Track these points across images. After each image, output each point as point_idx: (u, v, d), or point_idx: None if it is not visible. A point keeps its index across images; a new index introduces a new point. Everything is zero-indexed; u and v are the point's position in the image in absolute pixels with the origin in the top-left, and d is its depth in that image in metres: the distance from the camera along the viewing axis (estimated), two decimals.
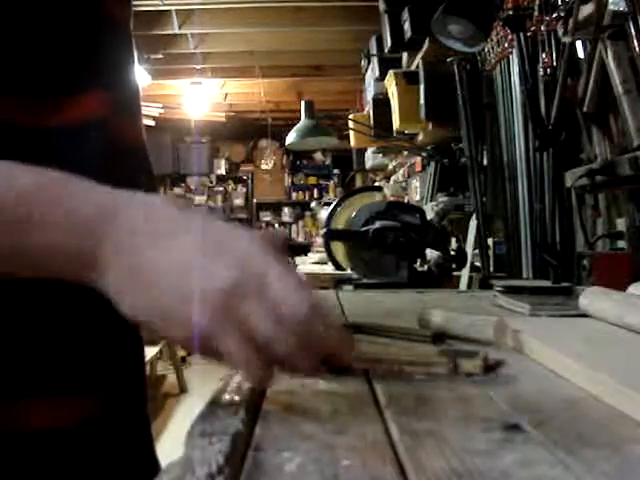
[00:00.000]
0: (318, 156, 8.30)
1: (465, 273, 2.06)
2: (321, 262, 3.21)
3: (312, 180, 8.31)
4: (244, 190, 8.29)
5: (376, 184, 5.05)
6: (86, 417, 0.50)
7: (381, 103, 3.34)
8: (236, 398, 0.45)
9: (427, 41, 2.64)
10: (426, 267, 1.72)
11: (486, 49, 2.27)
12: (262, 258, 0.39)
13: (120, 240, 0.39)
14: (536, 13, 1.74)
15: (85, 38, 0.51)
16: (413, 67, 2.98)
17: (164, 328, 0.39)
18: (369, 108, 3.67)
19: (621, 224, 1.48)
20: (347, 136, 4.18)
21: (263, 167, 8.21)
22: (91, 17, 0.52)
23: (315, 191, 8.21)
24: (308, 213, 7.91)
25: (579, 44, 1.59)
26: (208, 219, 0.41)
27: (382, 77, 3.30)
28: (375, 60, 3.59)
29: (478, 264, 2.08)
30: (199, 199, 8.04)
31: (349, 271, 1.86)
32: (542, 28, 1.71)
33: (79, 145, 0.50)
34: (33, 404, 0.47)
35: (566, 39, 1.55)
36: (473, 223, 2.18)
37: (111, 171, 0.53)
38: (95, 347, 0.51)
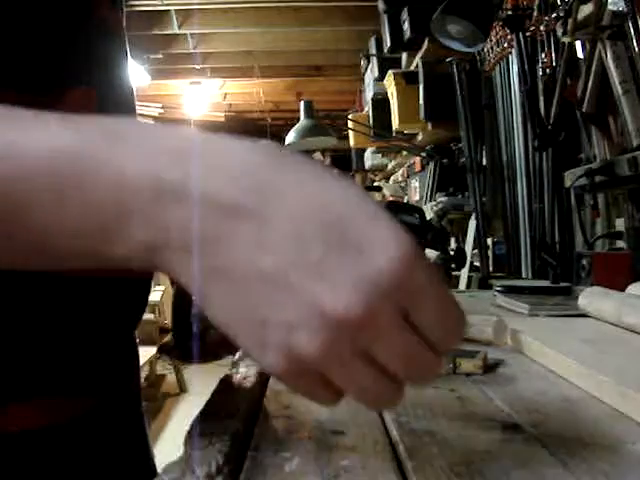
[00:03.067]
0: (317, 156, 8.29)
1: (464, 273, 2.06)
2: None
3: None
4: None
5: (375, 184, 5.05)
6: (74, 418, 0.50)
7: (380, 103, 3.34)
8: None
9: (426, 41, 2.63)
10: None
11: (485, 49, 2.26)
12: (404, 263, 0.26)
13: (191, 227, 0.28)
14: (535, 13, 1.74)
15: (69, 35, 0.50)
16: (412, 67, 2.98)
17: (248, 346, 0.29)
18: (368, 108, 3.67)
19: (620, 224, 1.48)
20: (346, 136, 4.18)
21: None
22: (77, 13, 0.51)
23: None
24: None
25: (578, 44, 1.59)
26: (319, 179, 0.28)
27: (381, 77, 3.30)
28: (374, 60, 3.59)
29: (477, 264, 2.08)
30: None
31: None
32: (541, 28, 1.71)
33: None
34: (17, 406, 0.47)
35: (565, 39, 1.55)
36: (472, 223, 2.18)
37: None
38: (84, 347, 0.51)
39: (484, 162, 2.37)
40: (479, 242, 2.06)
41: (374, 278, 0.26)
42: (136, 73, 4.53)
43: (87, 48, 0.52)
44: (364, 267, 0.26)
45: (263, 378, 0.50)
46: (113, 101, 0.55)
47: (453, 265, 1.73)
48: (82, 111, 0.49)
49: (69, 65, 0.50)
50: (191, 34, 4.54)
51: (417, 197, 3.48)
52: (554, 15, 1.62)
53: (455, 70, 2.20)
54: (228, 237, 0.27)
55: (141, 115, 5.95)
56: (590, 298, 0.76)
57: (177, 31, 4.35)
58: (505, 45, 2.11)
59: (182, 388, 4.29)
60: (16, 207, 0.30)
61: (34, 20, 0.47)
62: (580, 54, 1.60)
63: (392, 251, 0.26)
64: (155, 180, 0.28)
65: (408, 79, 2.88)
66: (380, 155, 4.28)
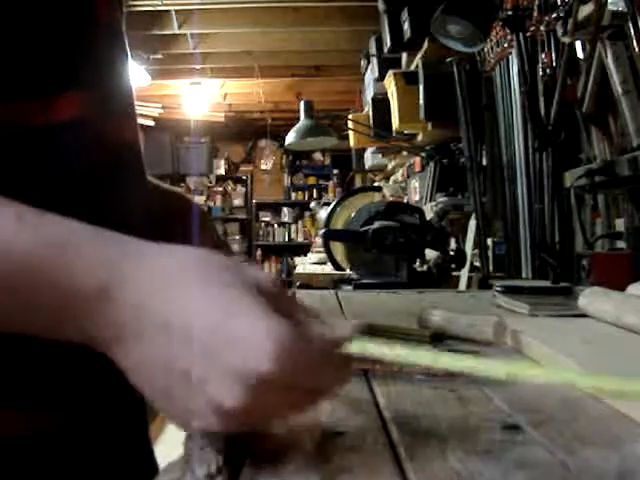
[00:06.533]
0: (317, 156, 8.29)
1: (464, 273, 2.06)
2: (320, 262, 3.21)
3: (311, 180, 8.30)
4: (243, 190, 8.27)
5: (375, 184, 5.05)
6: (76, 419, 0.50)
7: (380, 103, 3.34)
8: None
9: (426, 41, 2.64)
10: (425, 267, 1.72)
11: (485, 49, 2.27)
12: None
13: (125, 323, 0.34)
14: (535, 13, 1.74)
15: (68, 36, 0.50)
16: (412, 67, 2.98)
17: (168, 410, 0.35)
18: (368, 108, 3.67)
19: (620, 224, 1.48)
20: (346, 136, 4.18)
21: (262, 167, 8.20)
22: (76, 14, 0.51)
23: (314, 191, 8.20)
24: (307, 213, 7.90)
25: (578, 44, 1.59)
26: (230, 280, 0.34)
27: (381, 77, 3.30)
28: (374, 60, 3.59)
29: (477, 264, 2.08)
30: (198, 199, 8.03)
31: (348, 271, 1.86)
32: (541, 28, 1.71)
33: (61, 145, 0.49)
34: (18, 407, 0.47)
35: (565, 39, 1.55)
36: (472, 223, 2.18)
37: (98, 171, 0.52)
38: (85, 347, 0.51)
39: (484, 162, 2.37)
40: (479, 242, 2.06)
41: (251, 375, 0.31)
42: (136, 73, 4.53)
43: (86, 49, 0.52)
44: (243, 367, 0.31)
45: None
46: (112, 103, 0.55)
47: (453, 265, 1.73)
48: (79, 113, 0.49)
49: (66, 67, 0.50)
50: (191, 34, 4.54)
51: (417, 197, 3.48)
52: (554, 15, 1.62)
53: (455, 70, 2.20)
54: (147, 337, 0.33)
55: (141, 115, 5.95)
56: (590, 298, 0.76)
57: (177, 31, 4.35)
58: (505, 45, 2.11)
59: None
60: None
61: (33, 21, 0.47)
62: (580, 54, 1.60)
63: (265, 351, 0.31)
64: (95, 289, 0.33)
65: (408, 79, 2.88)
66: (380, 155, 4.28)
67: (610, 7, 1.39)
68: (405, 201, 3.70)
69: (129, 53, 0.60)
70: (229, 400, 0.31)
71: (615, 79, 1.37)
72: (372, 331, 0.72)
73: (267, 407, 0.33)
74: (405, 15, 2.74)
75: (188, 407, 0.33)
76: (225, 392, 0.31)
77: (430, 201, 2.92)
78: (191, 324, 0.32)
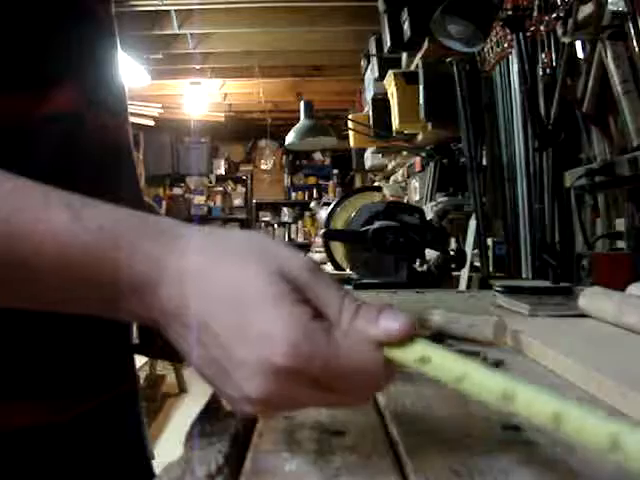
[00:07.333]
0: (317, 156, 8.29)
1: (464, 273, 2.06)
2: (320, 262, 3.21)
3: (311, 180, 8.30)
4: (243, 190, 8.28)
5: (375, 184, 5.05)
6: (72, 418, 0.50)
7: (380, 103, 3.34)
8: None
9: (426, 41, 2.64)
10: (425, 267, 1.72)
11: (485, 49, 2.26)
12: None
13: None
14: (535, 13, 1.74)
15: (55, 29, 0.49)
16: (412, 67, 2.98)
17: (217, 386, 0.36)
18: (368, 108, 3.67)
19: (620, 224, 1.48)
20: (346, 136, 4.18)
21: (262, 167, 8.21)
22: (63, 6, 0.51)
23: (314, 191, 8.20)
24: (307, 213, 7.91)
25: (578, 44, 1.59)
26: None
27: (381, 77, 3.30)
28: (374, 60, 3.58)
29: (477, 264, 2.08)
30: (198, 199, 8.04)
31: (348, 271, 1.86)
32: (541, 28, 1.71)
33: (49, 141, 0.49)
34: (15, 404, 0.47)
35: (565, 39, 1.55)
36: (472, 223, 2.18)
37: (83, 167, 0.52)
38: (82, 348, 0.51)
39: (484, 162, 2.37)
40: (479, 242, 2.06)
41: (267, 370, 0.33)
42: (136, 73, 4.52)
43: (74, 43, 0.51)
44: (260, 361, 0.33)
45: None
46: (102, 97, 0.55)
47: (453, 265, 1.73)
48: (69, 108, 0.49)
49: (55, 61, 0.49)
50: (191, 34, 4.54)
51: (417, 197, 3.48)
52: (554, 15, 1.62)
53: (455, 70, 2.20)
54: (189, 330, 0.35)
55: (141, 115, 5.95)
56: (590, 298, 0.76)
57: (177, 31, 4.34)
58: (505, 45, 2.10)
59: (182, 388, 4.30)
60: (23, 279, 0.36)
61: (18, 14, 0.46)
62: (580, 54, 1.60)
63: (279, 348, 0.32)
64: (143, 285, 0.35)
65: (408, 79, 2.88)
66: (380, 155, 4.28)
67: (610, 7, 1.39)
68: (405, 201, 3.71)
69: (119, 47, 0.60)
70: (250, 390, 0.33)
71: (615, 79, 1.37)
72: None
73: (290, 400, 0.34)
74: (405, 15, 2.74)
75: (226, 392, 0.35)
76: (247, 383, 0.33)
77: (430, 201, 2.92)
78: (214, 320, 0.34)
